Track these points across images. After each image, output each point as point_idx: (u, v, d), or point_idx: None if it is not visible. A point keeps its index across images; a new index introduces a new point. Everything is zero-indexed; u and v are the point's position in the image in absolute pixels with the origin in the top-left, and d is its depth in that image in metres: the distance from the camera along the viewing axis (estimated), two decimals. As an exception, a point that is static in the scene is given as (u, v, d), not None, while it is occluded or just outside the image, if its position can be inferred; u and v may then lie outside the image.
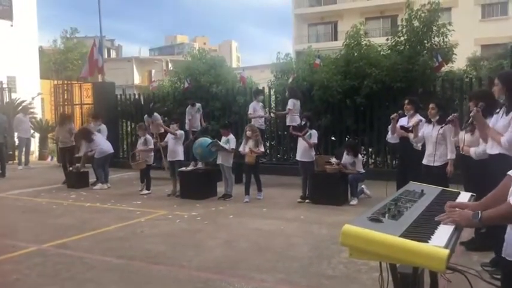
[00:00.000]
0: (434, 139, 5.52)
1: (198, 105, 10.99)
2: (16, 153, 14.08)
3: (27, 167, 13.16)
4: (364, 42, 10.57)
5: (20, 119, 13.33)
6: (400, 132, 6.51)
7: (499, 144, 3.94)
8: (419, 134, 5.86)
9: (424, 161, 5.66)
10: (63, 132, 10.45)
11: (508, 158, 3.83)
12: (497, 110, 4.13)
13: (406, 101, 6.58)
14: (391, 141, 6.87)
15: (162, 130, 9.58)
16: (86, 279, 4.32)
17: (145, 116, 10.70)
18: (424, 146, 5.96)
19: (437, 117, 5.56)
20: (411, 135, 6.14)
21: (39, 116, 19.10)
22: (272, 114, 11.61)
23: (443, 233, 1.99)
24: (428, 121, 5.77)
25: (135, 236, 5.83)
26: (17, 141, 13.95)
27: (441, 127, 5.29)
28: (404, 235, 1.93)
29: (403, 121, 6.58)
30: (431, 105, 5.69)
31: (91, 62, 13.32)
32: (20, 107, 16.17)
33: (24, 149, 13.35)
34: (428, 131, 5.68)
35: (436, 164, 5.50)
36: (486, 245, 4.53)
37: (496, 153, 4.00)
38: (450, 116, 5.16)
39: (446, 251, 1.78)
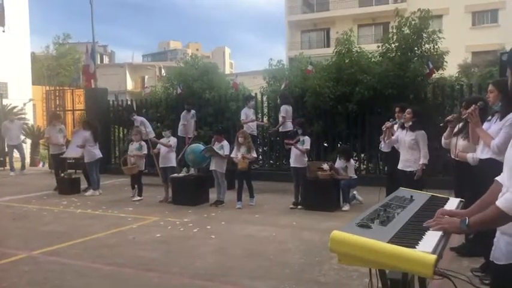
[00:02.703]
0: (406, 144, 5.72)
1: (193, 111, 11.00)
2: (7, 159, 13.96)
3: (22, 173, 13.00)
4: (355, 49, 10.65)
5: (5, 125, 13.13)
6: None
7: (488, 147, 3.97)
8: (393, 137, 6.00)
9: (399, 166, 5.84)
10: (54, 132, 10.37)
11: (498, 163, 3.85)
12: (489, 118, 4.17)
13: (397, 109, 6.63)
14: (385, 150, 6.91)
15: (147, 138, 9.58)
16: (76, 287, 4.28)
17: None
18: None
19: (410, 123, 5.71)
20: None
21: (30, 122, 18.98)
22: (265, 121, 11.60)
23: (431, 238, 2.00)
24: (402, 126, 5.89)
25: (127, 242, 5.80)
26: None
27: (446, 121, 5.31)
28: (392, 241, 1.94)
29: None
30: (407, 110, 5.84)
31: (87, 72, 13.29)
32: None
33: (15, 156, 13.22)
34: (402, 136, 5.81)
35: (410, 169, 5.71)
36: (476, 250, 4.56)
37: (487, 157, 4.03)
38: (449, 116, 5.21)
39: (434, 257, 1.79)
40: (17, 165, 13.44)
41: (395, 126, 6.49)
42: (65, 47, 37.01)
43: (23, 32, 23.34)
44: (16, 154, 13.37)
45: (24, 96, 21.40)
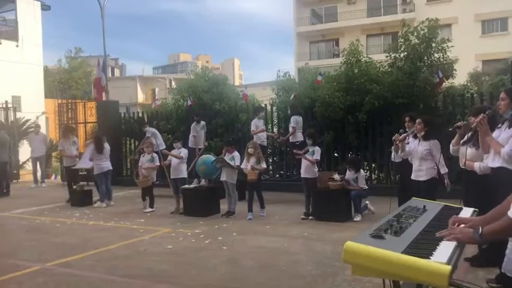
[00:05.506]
0: (419, 154, 5.67)
1: (202, 122, 11.05)
2: (21, 172, 14.13)
3: (37, 186, 13.13)
4: (364, 59, 10.65)
5: (30, 138, 13.59)
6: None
7: (498, 155, 3.94)
8: (406, 149, 5.95)
9: (412, 176, 5.77)
10: (67, 145, 10.48)
11: (510, 172, 3.82)
12: (499, 125, 4.15)
13: (407, 118, 6.60)
14: (397, 160, 6.88)
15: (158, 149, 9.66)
16: (89, 299, 4.31)
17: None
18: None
19: (423, 133, 5.66)
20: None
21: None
22: (275, 132, 11.60)
23: (445, 249, 2.00)
24: (414, 136, 5.85)
25: (139, 254, 5.82)
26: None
27: (451, 129, 5.26)
28: (406, 251, 1.93)
29: None
30: (418, 121, 5.79)
31: (98, 85, 13.45)
32: (25, 127, 16.35)
33: (34, 168, 13.41)
34: (414, 146, 5.76)
35: (423, 178, 5.64)
36: (491, 260, 4.49)
37: (498, 166, 4.00)
38: (459, 122, 5.16)
39: (448, 267, 1.78)
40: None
41: (409, 137, 6.43)
42: (77, 60, 37.60)
43: (35, 46, 23.76)
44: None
45: (37, 110, 21.73)
